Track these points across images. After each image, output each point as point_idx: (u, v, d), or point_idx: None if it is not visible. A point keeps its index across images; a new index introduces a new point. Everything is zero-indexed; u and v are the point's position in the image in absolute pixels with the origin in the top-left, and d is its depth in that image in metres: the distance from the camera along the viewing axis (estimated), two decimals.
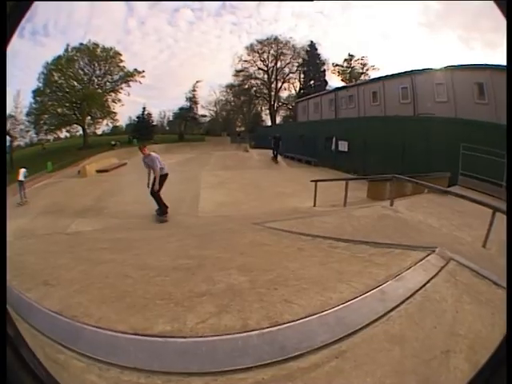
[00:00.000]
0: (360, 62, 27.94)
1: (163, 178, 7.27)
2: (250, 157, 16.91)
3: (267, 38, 26.60)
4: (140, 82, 30.15)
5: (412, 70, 16.28)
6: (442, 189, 7.15)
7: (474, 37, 15.68)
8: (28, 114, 27.08)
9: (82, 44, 27.24)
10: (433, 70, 15.96)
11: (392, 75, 17.17)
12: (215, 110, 26.37)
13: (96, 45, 28.45)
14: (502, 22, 1.11)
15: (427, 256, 2.18)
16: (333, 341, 1.20)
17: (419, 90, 15.83)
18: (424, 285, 1.75)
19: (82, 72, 28.28)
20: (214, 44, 25.38)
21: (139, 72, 30.77)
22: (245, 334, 1.23)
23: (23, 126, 26.21)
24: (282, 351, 1.12)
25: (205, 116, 26.69)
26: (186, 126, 23.61)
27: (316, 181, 8.25)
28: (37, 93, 27.16)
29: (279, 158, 17.32)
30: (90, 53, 28.05)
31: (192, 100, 25.47)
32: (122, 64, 29.61)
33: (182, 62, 28.88)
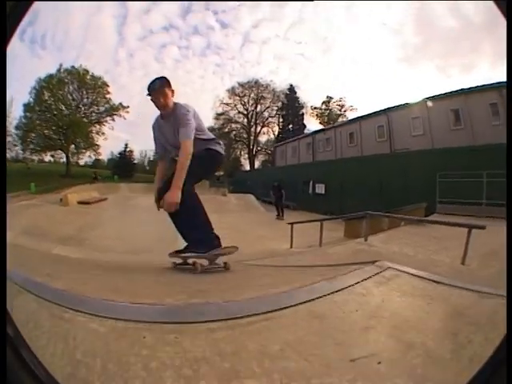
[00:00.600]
0: (338, 103, 28.94)
1: (208, 160, 3.20)
2: (228, 201, 17.29)
3: (248, 81, 27.69)
4: (124, 117, 30.84)
5: (388, 108, 17.45)
6: (415, 218, 7.71)
7: (450, 63, 17.09)
8: (17, 128, 27.49)
9: (73, 67, 28.56)
10: (408, 104, 17.15)
11: (368, 115, 18.26)
12: None
13: (86, 71, 29.90)
14: (502, 23, 1.12)
15: (365, 266, 2.58)
16: (265, 312, 1.68)
17: (395, 126, 16.94)
18: (353, 284, 2.15)
19: (70, 97, 29.29)
20: (197, 84, 26.35)
21: (124, 107, 31.59)
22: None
23: (11, 139, 26.45)
24: (228, 314, 1.65)
25: None
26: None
27: (292, 223, 8.95)
28: (27, 107, 27.90)
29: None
30: (80, 78, 29.28)
31: None
32: (108, 96, 30.55)
33: None
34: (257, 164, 29.34)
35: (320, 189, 15.78)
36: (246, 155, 28.86)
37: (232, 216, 13.77)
